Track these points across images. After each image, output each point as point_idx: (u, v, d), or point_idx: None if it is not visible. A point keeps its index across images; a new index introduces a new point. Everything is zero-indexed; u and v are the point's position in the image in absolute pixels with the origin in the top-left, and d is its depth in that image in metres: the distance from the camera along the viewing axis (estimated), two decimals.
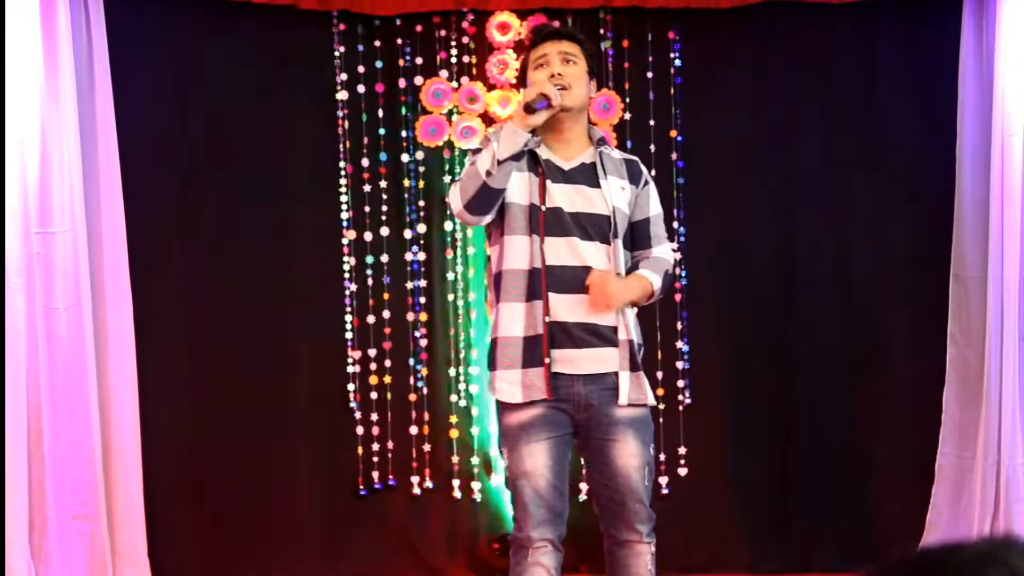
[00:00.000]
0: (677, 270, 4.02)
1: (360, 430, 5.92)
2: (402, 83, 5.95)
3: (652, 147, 5.92)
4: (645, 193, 3.92)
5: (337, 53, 5.92)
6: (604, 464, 3.78)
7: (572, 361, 3.73)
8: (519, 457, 3.73)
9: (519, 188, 3.77)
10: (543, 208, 3.73)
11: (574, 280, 3.72)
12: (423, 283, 5.98)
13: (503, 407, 3.80)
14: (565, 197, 3.76)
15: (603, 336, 3.75)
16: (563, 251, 3.73)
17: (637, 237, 3.90)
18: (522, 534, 3.75)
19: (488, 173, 3.61)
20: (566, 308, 3.72)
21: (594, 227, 3.78)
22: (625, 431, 3.76)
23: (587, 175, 3.82)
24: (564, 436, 3.77)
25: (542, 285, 3.70)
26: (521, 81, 3.99)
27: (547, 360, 3.71)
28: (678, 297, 5.94)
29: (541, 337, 3.71)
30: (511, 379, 3.74)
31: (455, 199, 3.73)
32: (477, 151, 3.78)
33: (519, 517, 3.76)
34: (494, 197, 3.67)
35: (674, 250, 3.97)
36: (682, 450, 5.96)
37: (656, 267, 3.86)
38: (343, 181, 5.93)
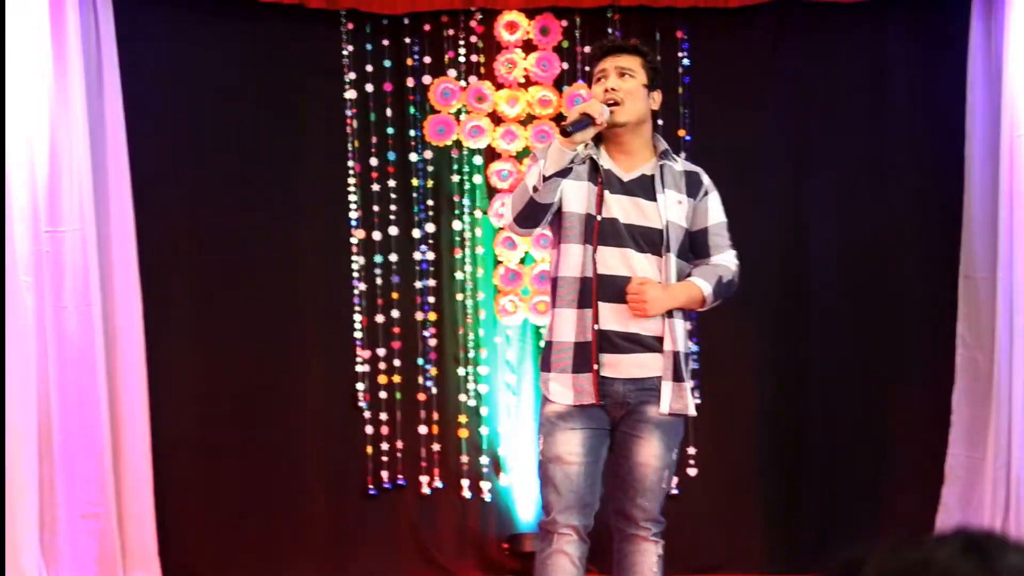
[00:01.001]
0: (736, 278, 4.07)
1: (369, 429, 5.91)
2: (410, 82, 5.95)
3: None
4: (704, 203, 3.98)
5: (345, 52, 5.93)
6: (624, 458, 3.88)
7: (616, 365, 3.84)
8: (553, 442, 3.85)
9: (578, 197, 3.87)
10: (599, 218, 3.82)
11: (623, 290, 3.81)
12: (432, 282, 5.98)
13: (546, 402, 3.90)
14: (621, 208, 3.85)
15: (647, 345, 3.85)
16: (615, 261, 3.82)
17: (697, 246, 3.99)
18: (548, 518, 3.85)
19: (535, 188, 3.71)
20: (614, 317, 3.82)
21: (647, 239, 3.87)
22: (653, 431, 3.86)
23: (645, 187, 3.89)
24: (600, 431, 3.88)
25: (592, 293, 3.81)
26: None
27: (595, 366, 3.81)
28: None
29: (590, 344, 3.82)
30: (563, 382, 3.86)
31: (506, 212, 3.91)
32: (534, 158, 3.90)
33: (547, 502, 3.86)
34: (542, 211, 3.78)
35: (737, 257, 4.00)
36: (692, 451, 5.95)
37: (708, 274, 3.94)
38: (351, 180, 5.93)
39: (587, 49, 5.97)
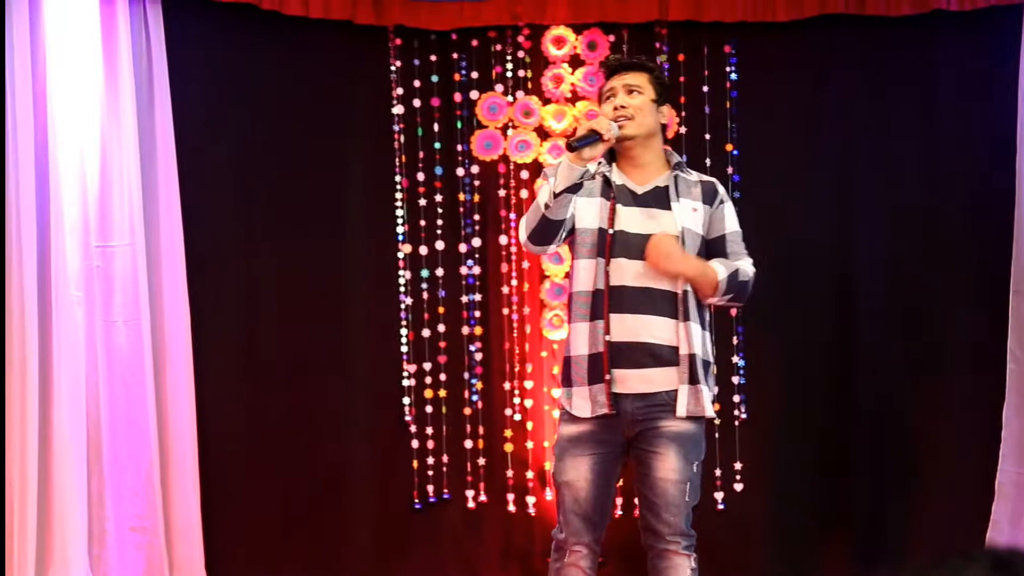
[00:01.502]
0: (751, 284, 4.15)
1: (415, 443, 5.93)
2: (458, 97, 5.96)
3: (708, 161, 5.90)
4: (720, 212, 4.06)
5: (393, 67, 5.95)
6: (645, 475, 3.96)
7: (624, 381, 3.90)
8: (563, 467, 3.98)
9: (590, 213, 3.95)
10: (610, 231, 3.88)
11: (636, 301, 3.88)
12: (478, 297, 5.99)
13: (562, 417, 4.03)
14: (634, 220, 3.91)
15: (658, 356, 3.89)
16: (628, 272, 3.88)
17: (714, 254, 4.04)
18: (561, 536, 4.00)
19: (546, 205, 3.78)
20: (624, 328, 3.88)
21: None
22: (669, 446, 3.91)
23: (659, 198, 3.96)
24: (611, 453, 3.97)
25: (604, 305, 3.87)
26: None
27: (607, 377, 3.88)
28: (733, 312, 5.92)
29: (602, 355, 3.88)
30: (581, 395, 3.95)
31: (521, 231, 3.93)
32: (545, 177, 3.97)
33: (560, 520, 4.02)
34: (554, 228, 3.84)
35: (754, 264, 4.09)
36: (738, 465, 5.93)
37: (726, 264, 4.00)
38: (399, 195, 5.95)
39: None
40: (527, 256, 5.95)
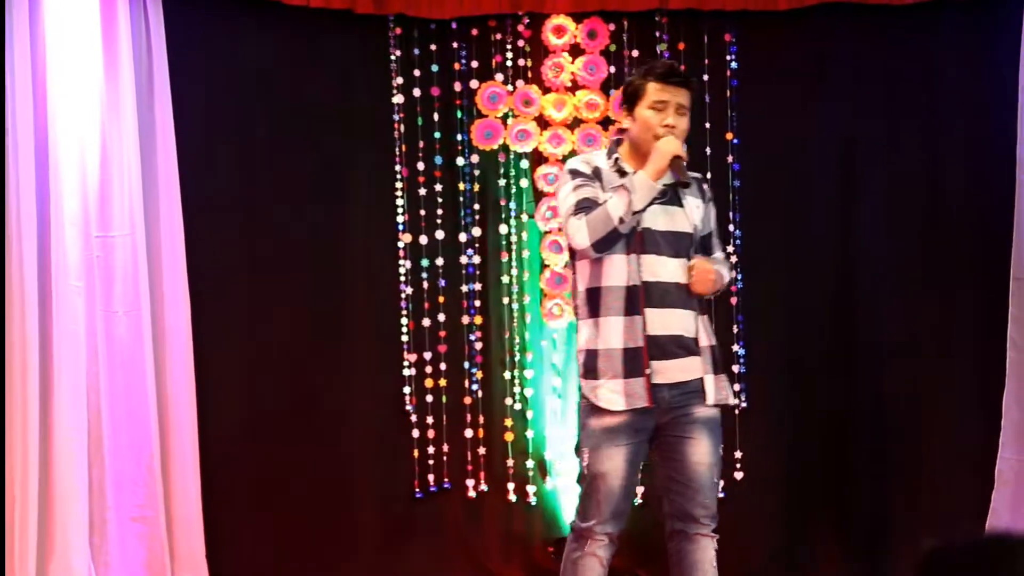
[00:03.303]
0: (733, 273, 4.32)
1: (416, 433, 5.93)
2: (457, 86, 5.96)
3: (708, 150, 5.90)
4: (710, 207, 4.19)
5: (393, 57, 5.94)
6: (678, 460, 4.00)
7: (664, 371, 3.97)
8: (600, 458, 3.98)
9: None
10: (639, 228, 3.95)
11: (666, 295, 3.98)
12: (478, 286, 5.99)
13: (594, 409, 4.00)
14: (656, 217, 3.99)
15: (687, 347, 4.01)
16: (656, 268, 3.97)
17: (703, 248, 4.16)
18: (586, 525, 4.01)
19: (621, 220, 3.86)
20: (660, 322, 3.96)
21: (679, 244, 4.04)
22: (702, 431, 4.00)
23: (672, 195, 4.04)
24: (643, 441, 4.02)
25: (641, 301, 3.94)
26: (627, 105, 4.08)
27: (648, 371, 3.94)
28: (733, 300, 5.92)
29: (641, 350, 3.95)
30: (614, 388, 3.96)
31: (581, 236, 3.91)
32: (577, 174, 4.02)
33: (587, 510, 4.02)
34: (619, 239, 3.92)
35: (728, 254, 4.24)
36: (738, 454, 5.93)
37: (723, 267, 4.18)
38: (399, 184, 5.94)
39: (635, 53, 5.96)
40: (526, 243, 5.95)
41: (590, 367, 4.02)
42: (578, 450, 4.09)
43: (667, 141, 3.91)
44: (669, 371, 3.97)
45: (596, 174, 4.02)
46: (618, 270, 3.96)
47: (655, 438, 4.04)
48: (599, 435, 3.98)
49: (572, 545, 4.06)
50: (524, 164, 6.00)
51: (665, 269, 3.98)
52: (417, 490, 5.93)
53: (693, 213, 4.06)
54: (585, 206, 3.93)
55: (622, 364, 3.95)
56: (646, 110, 4.00)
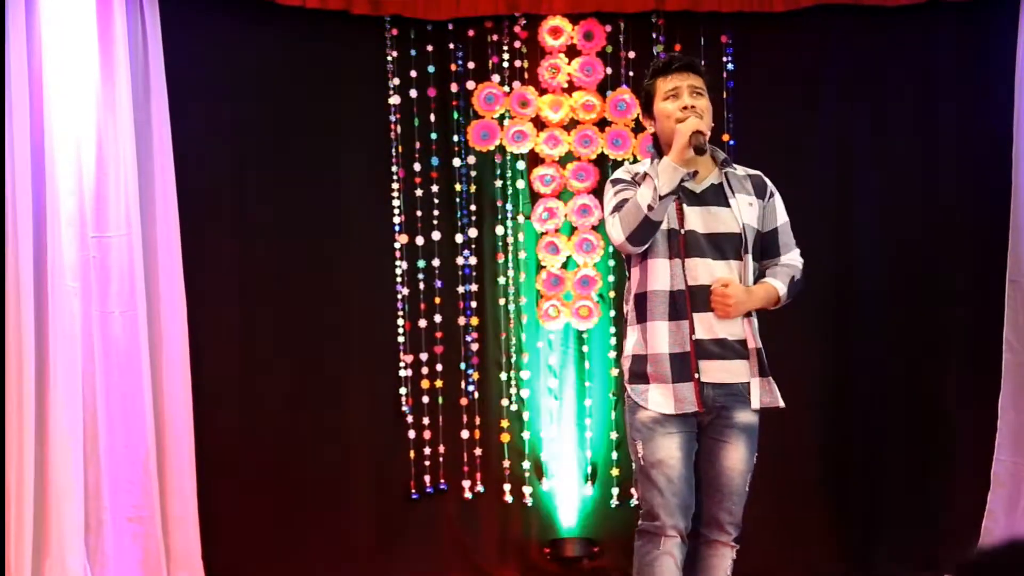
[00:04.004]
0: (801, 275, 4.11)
1: (412, 434, 5.94)
2: (454, 87, 5.96)
3: None
4: (772, 204, 4.06)
5: (389, 58, 5.94)
6: (711, 463, 3.93)
7: (708, 371, 3.88)
8: (654, 447, 3.87)
9: None
10: (682, 231, 3.89)
11: (709, 299, 3.88)
12: (474, 287, 6.00)
13: (633, 406, 3.93)
14: (699, 219, 3.92)
15: (734, 349, 3.91)
16: (701, 271, 3.89)
17: (767, 247, 4.06)
18: (656, 523, 3.86)
19: (650, 208, 3.78)
20: (705, 326, 3.88)
21: (728, 245, 3.93)
22: (740, 436, 3.91)
23: (717, 196, 3.96)
24: (692, 434, 3.91)
25: (687, 305, 3.87)
26: (646, 110, 4.05)
27: (696, 375, 3.86)
28: None
29: (689, 354, 3.87)
30: (664, 392, 3.88)
31: (616, 231, 3.87)
32: (618, 182, 3.96)
33: (652, 506, 3.87)
34: (654, 229, 3.84)
35: (800, 254, 4.08)
36: None
37: (782, 274, 4.03)
38: (395, 185, 5.95)
39: (631, 54, 5.97)
40: (523, 244, 5.95)
41: (638, 372, 3.95)
42: (631, 447, 3.95)
43: (687, 122, 3.83)
44: (713, 370, 3.88)
45: (636, 181, 3.94)
46: (662, 275, 3.90)
47: (699, 438, 3.95)
48: (649, 425, 3.88)
49: (644, 548, 3.90)
50: (521, 165, 6.00)
51: (710, 272, 3.89)
52: (413, 491, 5.93)
53: (742, 212, 3.94)
54: (620, 206, 3.89)
55: (670, 369, 3.88)
56: (661, 103, 3.96)
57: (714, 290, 3.87)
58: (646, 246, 3.89)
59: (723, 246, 3.91)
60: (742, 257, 3.93)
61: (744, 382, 3.92)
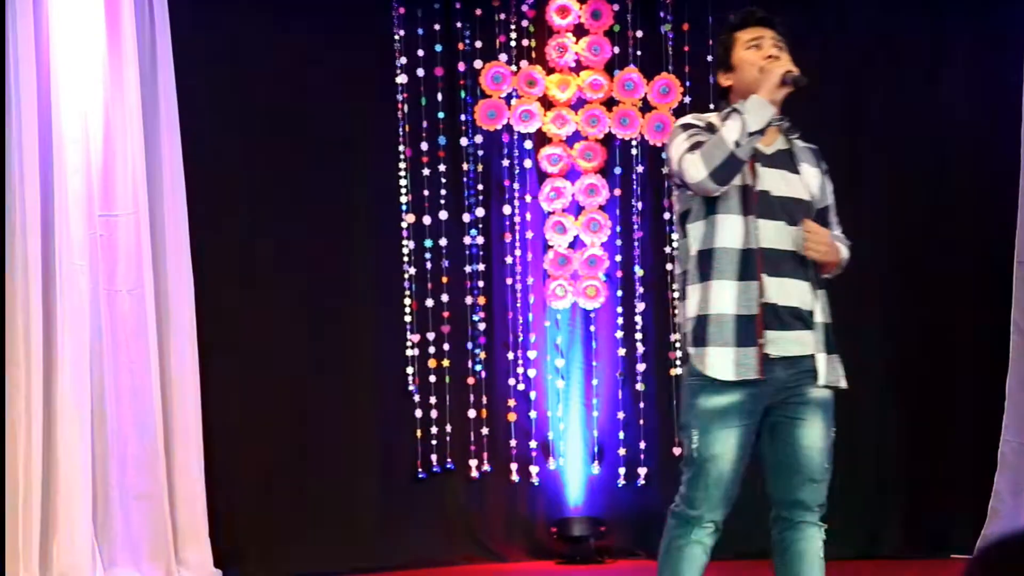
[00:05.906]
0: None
1: (419, 413, 5.94)
2: (461, 67, 5.96)
3: None
4: (826, 181, 3.87)
5: (397, 37, 5.94)
6: (788, 444, 3.73)
7: (778, 342, 3.66)
8: (711, 440, 3.66)
9: None
10: (756, 189, 3.67)
11: (783, 263, 3.66)
12: (482, 267, 6.00)
13: (703, 387, 3.70)
14: (772, 180, 3.70)
15: (804, 320, 3.70)
16: (773, 234, 3.66)
17: (820, 223, 3.78)
18: (693, 512, 3.69)
19: (737, 144, 3.56)
20: (777, 290, 3.66)
21: (796, 211, 3.70)
22: (815, 412, 3.71)
23: (785, 161, 3.76)
24: (753, 424, 3.71)
25: (758, 266, 3.65)
26: (723, 63, 3.81)
27: (761, 341, 3.64)
28: None
29: (756, 317, 3.64)
30: (724, 356, 3.66)
31: (696, 169, 3.60)
32: (689, 126, 3.71)
33: (694, 495, 3.69)
34: (738, 168, 3.60)
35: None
36: None
37: (844, 243, 3.83)
38: (402, 165, 5.94)
39: (639, 33, 5.96)
40: (530, 223, 5.95)
41: (698, 334, 3.69)
42: (685, 431, 3.73)
43: (779, 62, 3.65)
44: (783, 342, 3.65)
45: (709, 128, 3.69)
46: (733, 231, 3.66)
47: (763, 420, 3.72)
48: (709, 416, 3.66)
49: (676, 531, 3.73)
50: (528, 145, 6.00)
51: (781, 236, 3.65)
52: (420, 470, 5.94)
53: (811, 181, 3.75)
54: (696, 147, 3.62)
55: (734, 331, 3.64)
56: (743, 51, 3.76)
57: (808, 227, 3.64)
58: (725, 188, 3.64)
59: (793, 212, 3.68)
60: None
61: (811, 355, 3.70)
